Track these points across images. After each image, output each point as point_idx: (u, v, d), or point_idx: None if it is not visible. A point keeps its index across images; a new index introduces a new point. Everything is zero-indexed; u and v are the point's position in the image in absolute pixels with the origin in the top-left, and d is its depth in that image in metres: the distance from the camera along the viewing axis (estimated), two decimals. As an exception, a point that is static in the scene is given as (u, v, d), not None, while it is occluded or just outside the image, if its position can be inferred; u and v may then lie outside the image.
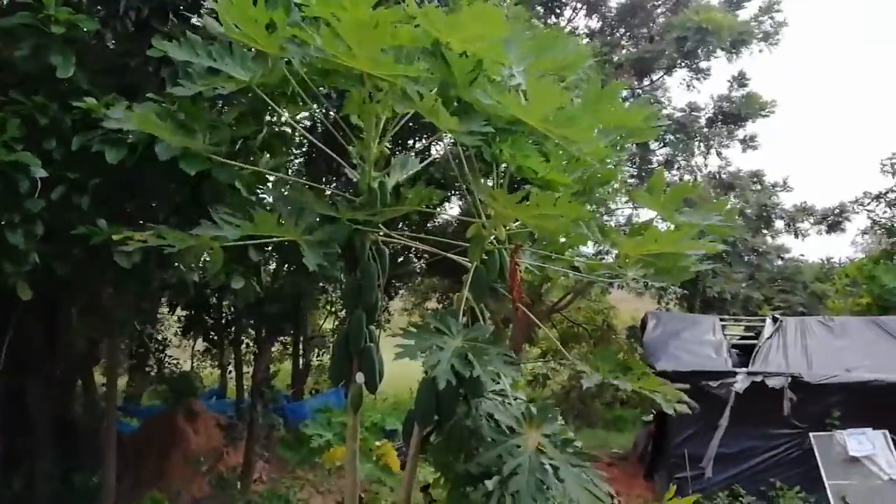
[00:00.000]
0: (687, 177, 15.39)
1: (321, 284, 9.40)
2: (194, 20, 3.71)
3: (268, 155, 3.06)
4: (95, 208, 3.46)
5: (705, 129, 15.08)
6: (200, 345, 14.08)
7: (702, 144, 15.19)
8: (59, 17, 3.25)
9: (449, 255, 2.75)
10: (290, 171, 3.04)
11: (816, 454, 8.12)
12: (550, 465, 2.11)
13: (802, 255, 15.77)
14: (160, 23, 3.70)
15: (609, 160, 2.43)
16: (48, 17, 3.24)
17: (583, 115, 2.14)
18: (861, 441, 8.00)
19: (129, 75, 3.68)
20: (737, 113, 14.81)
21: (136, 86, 3.62)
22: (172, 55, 2.32)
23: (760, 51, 14.02)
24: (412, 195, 2.51)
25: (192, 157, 2.45)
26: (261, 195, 3.17)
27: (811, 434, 8.27)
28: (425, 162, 3.07)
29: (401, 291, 15.22)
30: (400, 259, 9.55)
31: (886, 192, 14.28)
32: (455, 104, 2.24)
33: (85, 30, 3.35)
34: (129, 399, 12.67)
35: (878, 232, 14.97)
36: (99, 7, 3.79)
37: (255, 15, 2.11)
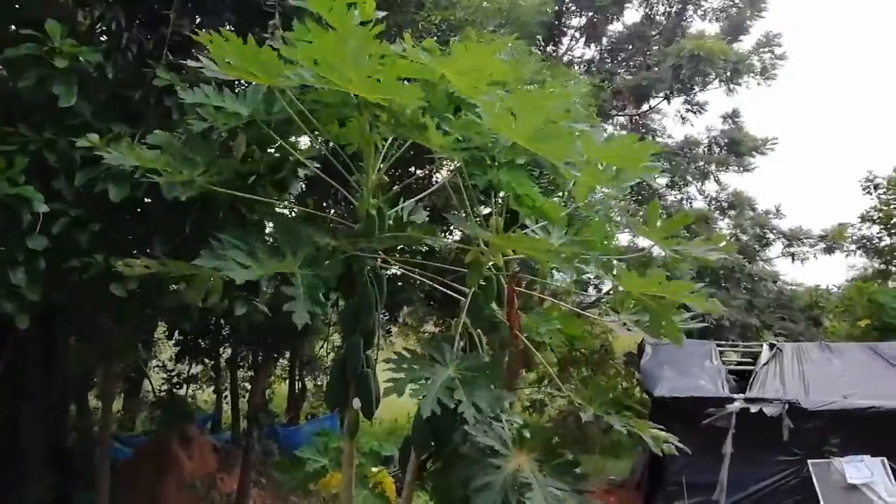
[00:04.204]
0: (684, 202, 15.50)
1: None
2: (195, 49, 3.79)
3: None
4: (96, 244, 3.48)
5: (702, 161, 15.20)
6: (196, 369, 13.98)
7: (698, 171, 15.31)
8: (64, 50, 3.32)
9: (447, 281, 2.78)
10: (291, 196, 3.07)
11: (815, 481, 8.06)
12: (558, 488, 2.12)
13: (796, 282, 15.77)
14: (160, 55, 3.77)
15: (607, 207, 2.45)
16: (53, 50, 3.30)
17: (568, 131, 2.16)
18: (859, 468, 7.94)
19: (132, 105, 3.73)
20: (734, 149, 14.87)
21: (139, 115, 3.68)
22: (183, 97, 2.38)
23: (759, 84, 14.03)
24: (413, 229, 2.55)
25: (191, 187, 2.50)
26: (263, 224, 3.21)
27: (809, 461, 8.21)
28: (427, 192, 3.12)
29: (399, 315, 15.19)
30: (399, 284, 9.55)
31: (870, 211, 14.33)
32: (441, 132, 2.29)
33: (88, 61, 3.41)
34: (122, 424, 12.56)
35: (869, 253, 15.00)
36: (101, 39, 3.87)
37: (250, 52, 2.17)
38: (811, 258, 15.18)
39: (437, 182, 6.82)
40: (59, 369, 7.07)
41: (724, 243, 2.41)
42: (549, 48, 14.80)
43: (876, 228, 14.45)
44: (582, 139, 2.13)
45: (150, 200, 3.64)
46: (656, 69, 14.31)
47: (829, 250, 15.09)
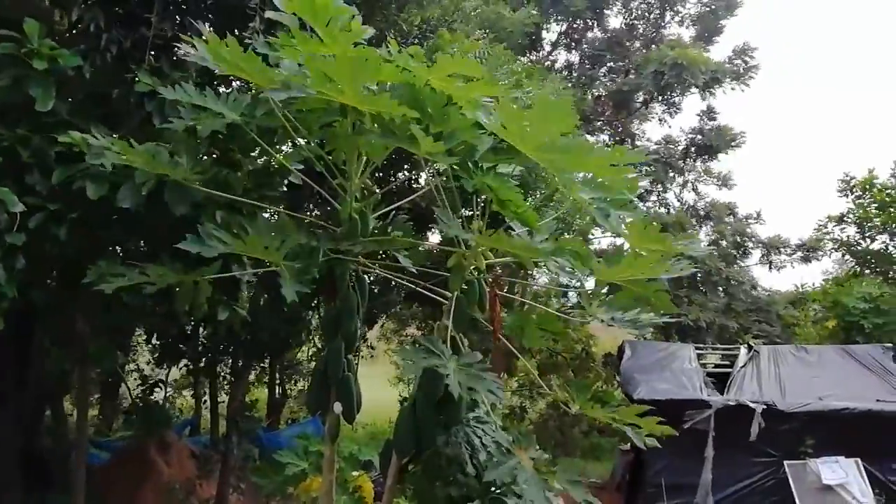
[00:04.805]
0: (661, 209, 15.69)
1: (301, 313, 9.35)
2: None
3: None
4: (73, 237, 3.44)
5: (681, 163, 15.44)
6: (175, 374, 13.83)
7: (677, 177, 15.53)
8: (42, 51, 3.28)
9: (429, 285, 2.79)
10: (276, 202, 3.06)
11: (791, 482, 8.19)
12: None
13: (774, 287, 16.05)
14: (141, 56, 3.74)
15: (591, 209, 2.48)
16: (31, 51, 3.26)
17: (577, 144, 2.21)
18: (834, 469, 8.09)
19: (111, 105, 3.70)
20: (709, 145, 15.19)
21: (118, 115, 3.64)
22: (164, 95, 2.38)
23: (732, 89, 14.39)
24: (395, 234, 2.56)
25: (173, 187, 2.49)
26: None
27: (785, 462, 8.35)
28: (411, 196, 3.13)
29: (380, 319, 15.17)
30: (379, 288, 9.54)
31: (847, 213, 14.56)
32: (430, 135, 2.31)
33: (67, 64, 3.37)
34: (99, 430, 12.36)
35: (844, 255, 15.25)
36: (80, 41, 3.82)
37: (249, 58, 2.18)
38: (788, 266, 15.50)
39: (420, 186, 6.84)
40: (33, 373, 6.95)
41: (699, 242, 2.46)
42: (531, 55, 14.93)
43: (852, 230, 14.68)
44: (589, 155, 2.18)
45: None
46: (632, 75, 14.51)
47: (806, 259, 15.35)
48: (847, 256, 15.20)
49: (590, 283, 2.72)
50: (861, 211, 14.17)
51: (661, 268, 2.34)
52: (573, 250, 2.48)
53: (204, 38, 2.23)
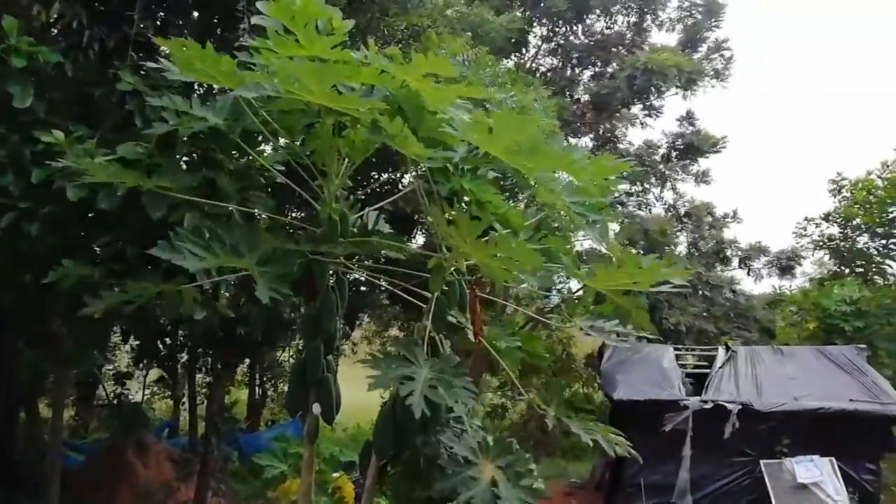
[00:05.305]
0: (641, 211, 15.84)
1: (282, 313, 9.30)
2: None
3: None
4: (46, 234, 3.39)
5: (661, 166, 15.60)
6: (154, 374, 13.67)
7: (656, 179, 15.69)
8: (20, 48, 3.23)
9: (410, 287, 2.80)
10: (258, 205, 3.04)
11: (767, 481, 8.30)
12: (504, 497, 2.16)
13: (752, 290, 16.24)
14: (124, 54, 3.70)
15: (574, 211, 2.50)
16: (9, 48, 3.21)
17: (546, 145, 2.22)
18: (809, 468, 8.22)
19: (92, 105, 3.65)
20: (691, 145, 15.38)
21: (98, 115, 3.60)
22: (149, 101, 2.36)
23: (713, 86, 14.64)
24: (376, 237, 2.57)
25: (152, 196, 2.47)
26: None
27: (761, 461, 8.47)
28: (391, 198, 3.14)
29: (362, 320, 15.13)
30: (362, 289, 9.51)
31: (835, 212, 14.69)
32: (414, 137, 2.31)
33: (46, 61, 3.33)
34: (75, 432, 12.17)
35: (824, 255, 15.42)
36: (61, 38, 3.78)
37: (211, 58, 2.17)
38: (765, 275, 15.70)
39: (402, 187, 6.84)
40: (7, 376, 6.84)
41: (679, 265, 2.48)
42: (514, 58, 14.99)
43: (835, 229, 14.84)
44: (556, 156, 2.19)
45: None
46: (608, 79, 14.66)
47: (784, 270, 15.53)
48: (827, 257, 15.36)
49: (574, 285, 2.74)
50: (845, 210, 14.29)
51: (647, 280, 2.33)
52: (559, 255, 2.49)
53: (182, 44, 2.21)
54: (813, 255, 15.59)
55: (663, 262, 2.30)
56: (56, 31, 3.96)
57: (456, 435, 2.43)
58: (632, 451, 2.53)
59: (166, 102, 2.37)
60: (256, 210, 2.76)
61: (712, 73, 14.65)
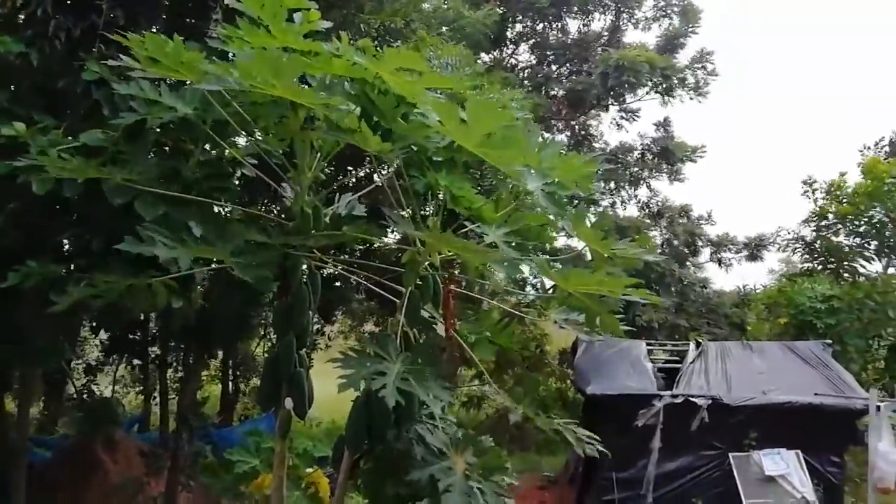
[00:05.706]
0: (617, 205, 16.01)
1: (257, 307, 9.21)
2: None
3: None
4: (9, 227, 3.31)
5: (635, 167, 15.75)
6: (123, 369, 13.46)
7: (630, 178, 15.83)
8: (-18, 36, 3.15)
9: (384, 281, 2.79)
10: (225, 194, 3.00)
11: (735, 474, 8.46)
12: (478, 488, 2.17)
13: (724, 288, 16.52)
14: (90, 44, 3.62)
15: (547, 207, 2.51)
16: (-31, 37, 3.13)
17: (520, 138, 2.22)
18: (776, 461, 8.39)
19: (58, 95, 3.56)
20: (665, 153, 15.51)
21: (65, 106, 3.51)
22: (117, 89, 2.31)
23: (691, 99, 14.61)
24: (350, 228, 2.55)
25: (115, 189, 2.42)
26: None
27: (730, 454, 8.62)
28: (364, 191, 3.12)
29: (338, 314, 15.05)
30: (337, 283, 9.46)
31: (815, 216, 14.88)
32: (380, 132, 2.31)
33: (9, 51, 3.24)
34: (42, 427, 11.93)
35: (800, 251, 15.63)
36: (27, 27, 3.68)
37: (171, 51, 2.13)
38: (735, 264, 15.99)
39: (377, 180, 6.81)
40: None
41: (651, 247, 2.51)
42: (493, 54, 14.99)
43: (809, 228, 15.11)
44: (528, 151, 2.20)
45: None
46: (584, 75, 14.73)
47: (752, 257, 15.85)
48: (799, 253, 15.61)
49: (549, 282, 2.75)
50: (819, 208, 14.54)
51: (618, 285, 2.35)
52: (535, 258, 2.49)
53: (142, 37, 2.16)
54: (794, 253, 15.82)
55: (638, 243, 2.33)
56: (21, 19, 3.85)
57: (429, 430, 2.44)
58: (602, 447, 2.56)
59: (134, 90, 2.32)
60: (224, 200, 2.72)
61: (693, 83, 14.60)
